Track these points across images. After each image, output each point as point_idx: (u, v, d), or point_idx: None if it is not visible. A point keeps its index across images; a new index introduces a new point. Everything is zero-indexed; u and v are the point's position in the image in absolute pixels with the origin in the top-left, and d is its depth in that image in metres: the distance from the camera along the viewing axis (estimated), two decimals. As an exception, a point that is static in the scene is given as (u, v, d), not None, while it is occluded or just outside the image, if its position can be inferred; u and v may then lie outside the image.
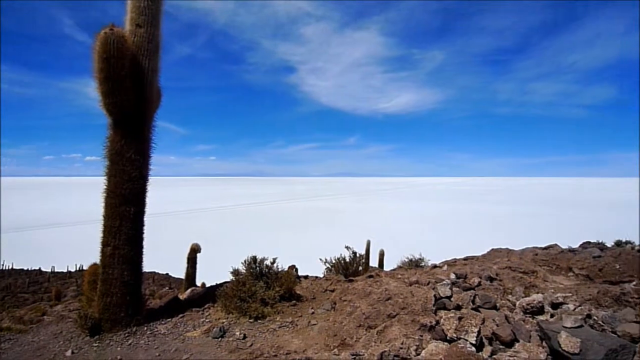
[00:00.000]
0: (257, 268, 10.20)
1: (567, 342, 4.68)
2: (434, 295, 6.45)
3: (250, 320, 7.76)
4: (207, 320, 7.87)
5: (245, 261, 10.49)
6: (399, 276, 7.92)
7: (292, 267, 14.13)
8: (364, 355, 4.81)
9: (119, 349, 6.30)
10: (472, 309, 6.12)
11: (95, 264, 8.12)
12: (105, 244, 7.05)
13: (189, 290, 11.26)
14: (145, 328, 7.13)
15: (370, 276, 9.68)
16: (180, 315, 8.04)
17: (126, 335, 6.81)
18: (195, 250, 16.54)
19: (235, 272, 10.21)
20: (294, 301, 9.39)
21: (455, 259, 12.27)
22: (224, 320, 7.76)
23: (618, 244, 13.66)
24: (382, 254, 17.63)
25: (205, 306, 8.76)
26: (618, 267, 9.37)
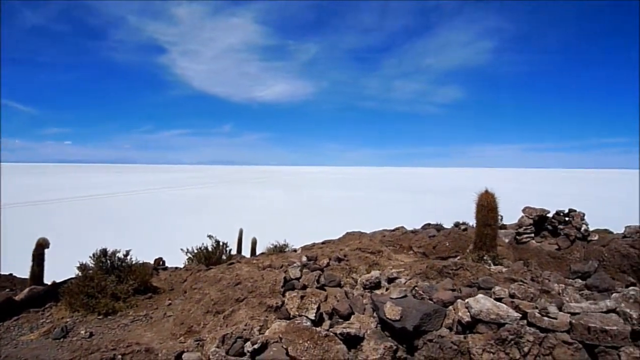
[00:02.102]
0: (108, 262, 9.52)
1: (391, 311, 5.29)
2: (284, 278, 6.75)
3: (99, 317, 7.28)
4: (47, 321, 7.18)
5: (94, 255, 9.72)
6: (254, 262, 8.10)
7: (159, 259, 13.45)
8: (206, 339, 4.86)
9: None
10: (318, 287, 6.55)
11: None
12: None
13: (27, 289, 10.05)
14: (-34, 337, 6.22)
15: (231, 263, 9.73)
16: (15, 317, 7.24)
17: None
18: (42, 245, 14.71)
19: (82, 267, 9.42)
20: (149, 294, 9.00)
21: (314, 243, 12.91)
22: (67, 320, 7.15)
23: (456, 225, 15.71)
24: (254, 242, 17.75)
25: (47, 306, 7.99)
26: (448, 244, 10.82)
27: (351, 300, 6.14)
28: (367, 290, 6.89)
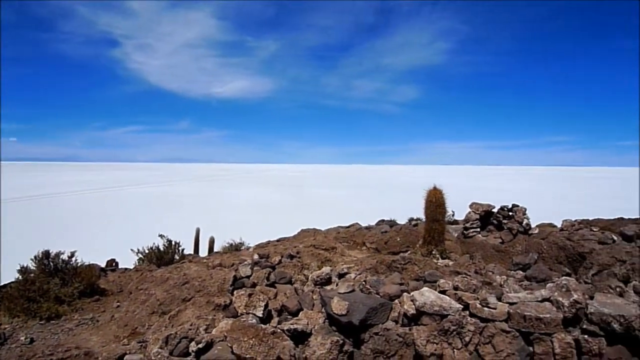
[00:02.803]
0: (51, 264, 9.11)
1: (338, 306, 5.36)
2: (234, 276, 6.69)
3: (40, 322, 6.94)
4: (-17, 329, 6.78)
5: (35, 257, 9.28)
6: (204, 261, 7.99)
7: (112, 260, 12.97)
8: (150, 340, 4.74)
9: None
10: (268, 285, 6.54)
11: None
12: None
13: (-41, 296, 9.45)
14: None
15: (183, 263, 9.53)
16: (-58, 328, 6.78)
17: None
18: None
19: (23, 270, 8.97)
20: (97, 296, 8.68)
21: (269, 240, 12.87)
22: (6, 326, 6.79)
23: (410, 220, 16.05)
24: (211, 241, 17.45)
25: (-19, 313, 7.55)
26: (399, 240, 11.07)
27: (300, 297, 6.17)
28: (317, 287, 6.94)
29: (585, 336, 5.35)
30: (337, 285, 7.15)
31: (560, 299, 5.67)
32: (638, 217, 13.96)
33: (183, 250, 13.49)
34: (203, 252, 16.83)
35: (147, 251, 12.66)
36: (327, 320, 5.62)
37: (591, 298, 5.76)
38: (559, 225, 10.94)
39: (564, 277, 6.53)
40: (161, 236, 12.97)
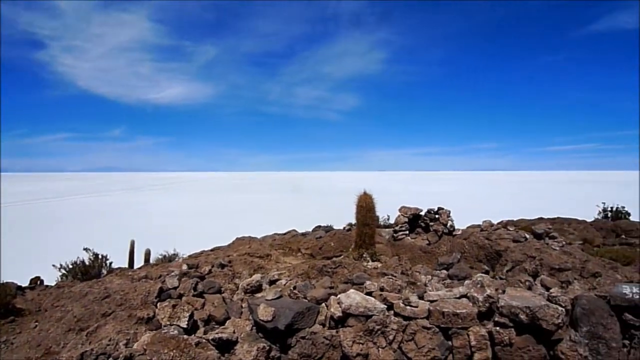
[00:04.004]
0: (-43, 284, 8.36)
1: (264, 312, 5.37)
2: (160, 288, 6.49)
3: (-53, 350, 6.34)
4: None
5: (-62, 277, 8.49)
6: (129, 274, 7.67)
7: (36, 278, 12.05)
8: (63, 359, 4.49)
9: None
10: (195, 295, 6.40)
11: None
12: None
13: None
14: None
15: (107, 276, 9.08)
16: None
17: None
18: None
19: None
20: (12, 317, 8.06)
21: (203, 250, 12.58)
22: None
23: (350, 225, 16.32)
24: (147, 253, 16.70)
25: None
26: (333, 244, 11.24)
27: (228, 306, 6.11)
28: (248, 295, 6.89)
29: (497, 328, 5.74)
30: (268, 292, 7.15)
31: (476, 294, 6.06)
32: (555, 217, 15.19)
33: (111, 263, 12.84)
34: (139, 265, 16.09)
35: (70, 266, 11.94)
36: (254, 328, 5.61)
37: (503, 292, 6.20)
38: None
39: (479, 274, 6.98)
40: (86, 250, 12.28)
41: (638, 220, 13.14)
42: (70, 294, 6.25)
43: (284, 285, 7.06)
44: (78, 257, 12.12)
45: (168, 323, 5.27)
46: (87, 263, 12.07)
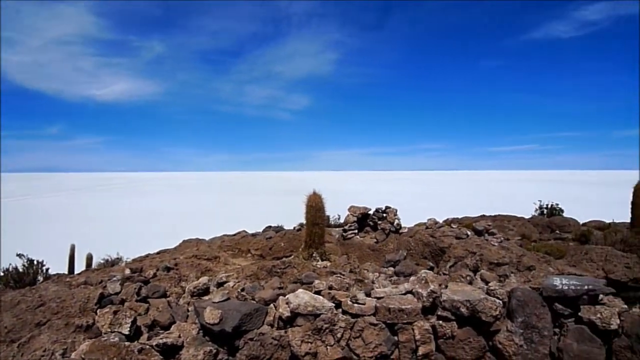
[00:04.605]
0: None
1: (210, 315, 5.27)
2: (101, 294, 6.20)
3: None
4: None
5: None
6: (68, 280, 7.28)
7: None
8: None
9: None
10: (139, 300, 6.18)
11: None
12: None
13: None
14: None
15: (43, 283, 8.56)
16: None
17: None
18: None
19: None
20: None
21: (148, 253, 12.16)
22: None
23: (300, 225, 16.32)
24: (89, 258, 15.91)
25: None
26: (283, 245, 11.22)
27: (174, 310, 5.94)
28: (194, 298, 6.73)
29: (441, 322, 5.97)
30: (215, 294, 7.02)
31: (420, 290, 6.26)
32: (496, 214, 15.97)
33: (47, 270, 12.14)
34: (80, 271, 15.30)
35: (2, 274, 11.17)
36: (201, 331, 5.50)
37: (446, 287, 6.44)
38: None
39: (424, 271, 7.21)
40: (20, 255, 11.54)
41: (570, 217, 14.09)
42: (1, 303, 5.83)
43: (232, 287, 6.95)
44: (10, 264, 11.37)
45: (109, 330, 5.06)
46: (20, 270, 11.34)
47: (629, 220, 10.64)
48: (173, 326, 5.50)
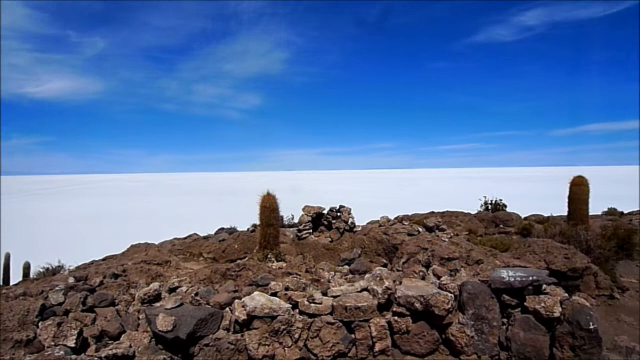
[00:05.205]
0: None
1: (163, 322, 5.08)
2: (42, 305, 5.82)
3: None
4: None
5: None
6: (4, 291, 6.77)
7: None
8: None
9: None
10: (84, 310, 5.85)
11: None
12: None
13: None
14: None
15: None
16: None
17: None
18: None
19: None
20: None
21: (93, 260, 11.58)
22: None
23: (254, 226, 16.10)
24: (26, 267, 14.90)
25: None
26: (237, 247, 11.04)
27: (123, 319, 5.68)
28: (145, 305, 6.46)
29: (396, 317, 6.09)
30: (167, 300, 6.79)
31: (376, 287, 6.35)
32: (444, 210, 16.55)
33: (4, 279, 11.30)
34: (16, 281, 14.31)
35: None
36: (153, 340, 5.29)
37: (400, 284, 6.58)
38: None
39: (378, 268, 7.33)
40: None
41: (513, 211, 14.86)
42: None
43: (185, 292, 6.75)
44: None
45: (52, 343, 4.75)
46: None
47: (566, 214, 11.32)
48: (123, 336, 5.25)
